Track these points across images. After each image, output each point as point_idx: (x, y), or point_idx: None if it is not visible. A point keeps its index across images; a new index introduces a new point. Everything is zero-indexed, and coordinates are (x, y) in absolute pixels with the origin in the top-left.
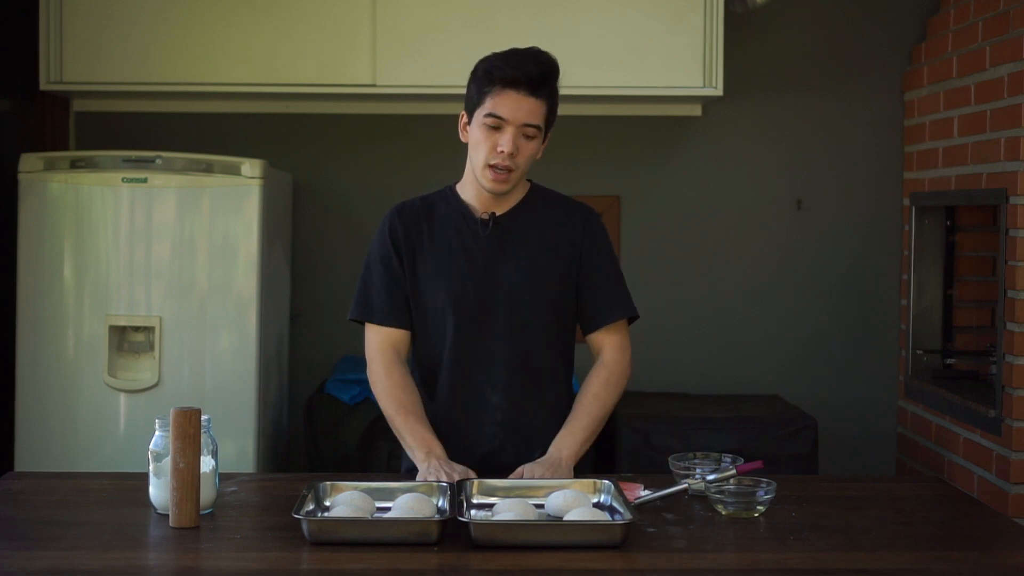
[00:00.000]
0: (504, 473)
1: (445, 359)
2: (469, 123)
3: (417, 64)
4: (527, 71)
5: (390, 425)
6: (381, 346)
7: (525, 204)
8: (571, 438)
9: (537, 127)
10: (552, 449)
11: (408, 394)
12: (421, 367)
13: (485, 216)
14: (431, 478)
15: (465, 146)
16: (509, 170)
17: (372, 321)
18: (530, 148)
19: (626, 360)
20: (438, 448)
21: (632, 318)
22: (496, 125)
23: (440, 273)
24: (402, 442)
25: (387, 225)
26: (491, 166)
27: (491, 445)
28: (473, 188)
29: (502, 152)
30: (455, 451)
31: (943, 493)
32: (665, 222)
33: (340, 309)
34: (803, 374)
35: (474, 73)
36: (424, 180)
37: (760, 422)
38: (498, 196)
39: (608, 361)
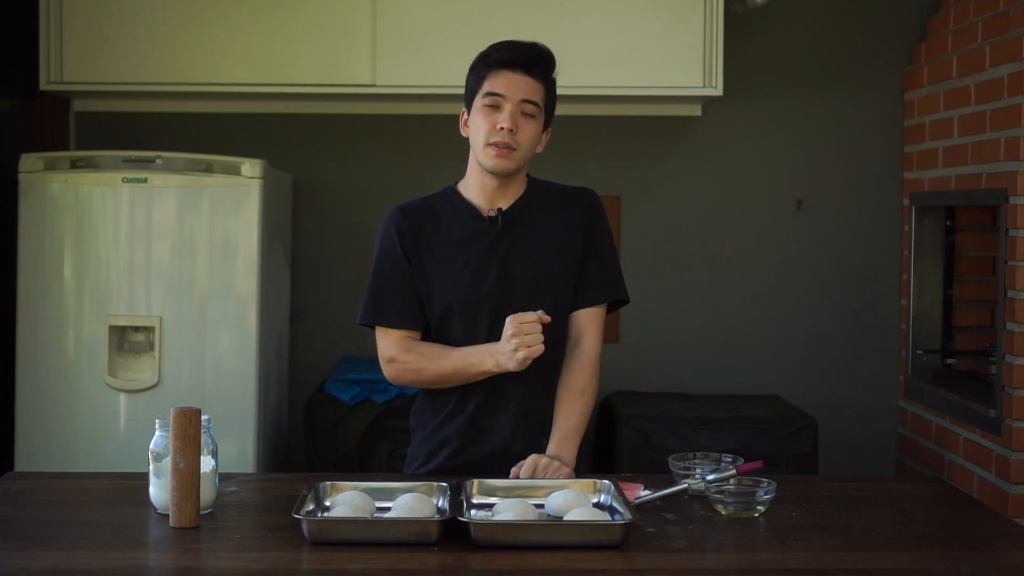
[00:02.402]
0: (515, 461)
1: None
2: (469, 114)
3: (417, 64)
4: (523, 51)
5: (449, 379)
6: (394, 351)
7: (527, 197)
8: (567, 443)
9: (535, 104)
10: (551, 454)
11: (433, 348)
12: None
13: (493, 213)
14: (519, 355)
15: (465, 145)
16: (510, 148)
17: (382, 324)
18: (530, 128)
19: (601, 346)
20: (490, 347)
21: (622, 302)
22: (494, 103)
23: (452, 271)
24: (467, 373)
25: (392, 225)
26: (492, 144)
27: (505, 433)
28: (476, 184)
29: (502, 129)
30: (469, 442)
31: (943, 493)
32: (665, 222)
33: (340, 309)
34: (803, 374)
35: (472, 65)
36: (424, 180)
37: (760, 422)
38: (503, 185)
39: (589, 350)
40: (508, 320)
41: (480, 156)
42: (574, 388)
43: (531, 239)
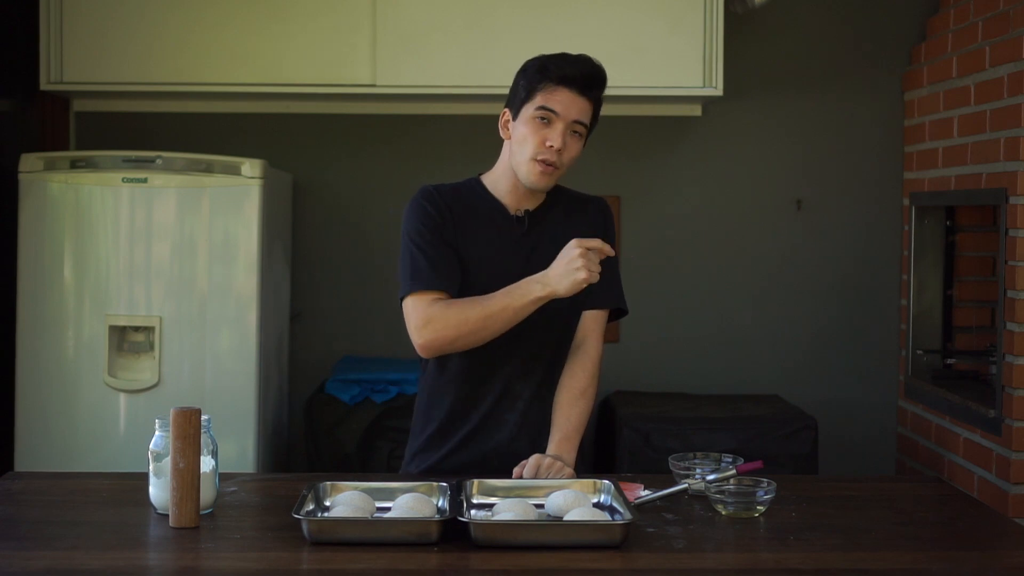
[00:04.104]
0: (518, 460)
1: (479, 349)
2: (513, 119)
3: (417, 64)
4: (583, 70)
5: (495, 320)
6: (430, 311)
7: (550, 201)
8: (568, 443)
9: (585, 125)
10: (551, 454)
11: (467, 299)
12: (451, 356)
13: (520, 213)
14: (581, 275)
15: (466, 146)
16: (556, 167)
17: (425, 288)
18: (575, 148)
19: (603, 350)
20: (536, 275)
21: (622, 312)
22: (547, 118)
23: (477, 263)
24: (514, 306)
25: (425, 199)
26: (538, 160)
27: (511, 433)
28: (507, 184)
29: (551, 147)
30: (475, 439)
31: (943, 493)
32: (665, 222)
33: (340, 309)
34: (803, 374)
35: (524, 70)
36: (424, 180)
37: (760, 422)
38: (535, 192)
39: (592, 354)
40: (573, 242)
41: (523, 169)
42: (575, 389)
43: (553, 242)
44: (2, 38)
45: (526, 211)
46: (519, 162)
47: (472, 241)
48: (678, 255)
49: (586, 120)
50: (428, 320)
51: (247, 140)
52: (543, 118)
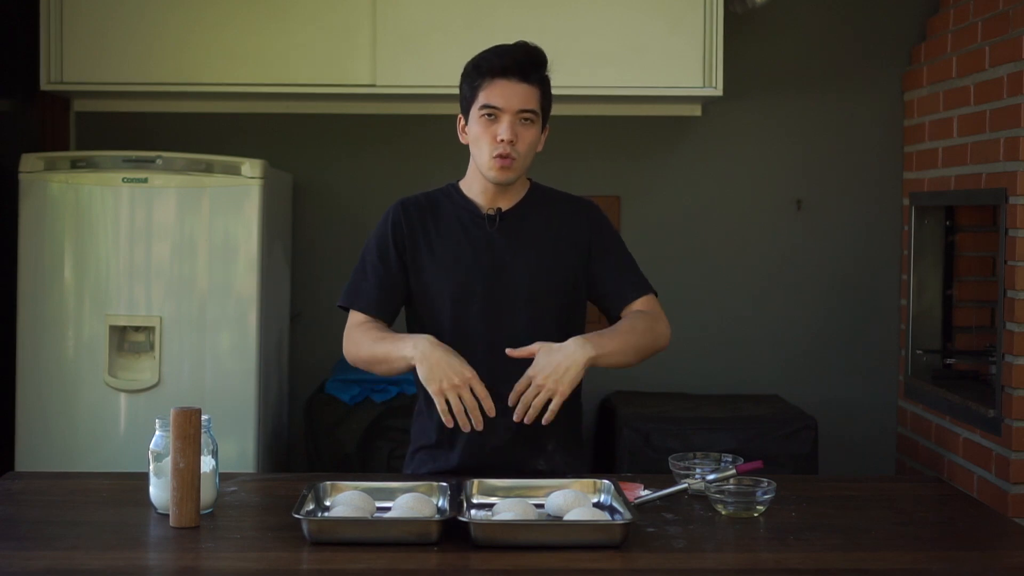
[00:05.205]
0: (516, 466)
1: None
2: (466, 123)
3: (417, 64)
4: (515, 58)
5: (375, 363)
6: (350, 327)
7: (528, 200)
8: (596, 337)
9: (533, 112)
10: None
11: (374, 333)
12: None
13: (491, 211)
14: (442, 386)
15: (465, 146)
16: (512, 158)
17: (356, 308)
18: (530, 135)
19: (663, 318)
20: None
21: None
22: (492, 115)
23: (447, 268)
24: (393, 355)
25: (390, 218)
26: (494, 157)
27: (501, 439)
28: (478, 185)
29: (502, 141)
30: (472, 445)
31: (943, 493)
32: (665, 222)
33: (340, 309)
34: (803, 374)
35: (464, 73)
36: (424, 180)
37: (760, 422)
38: (504, 188)
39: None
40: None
41: (483, 168)
42: (626, 318)
43: (527, 241)
44: (2, 38)
45: (497, 209)
46: (480, 162)
47: (439, 245)
48: (678, 255)
49: (532, 107)
50: (346, 338)
51: (247, 140)
52: (489, 115)
